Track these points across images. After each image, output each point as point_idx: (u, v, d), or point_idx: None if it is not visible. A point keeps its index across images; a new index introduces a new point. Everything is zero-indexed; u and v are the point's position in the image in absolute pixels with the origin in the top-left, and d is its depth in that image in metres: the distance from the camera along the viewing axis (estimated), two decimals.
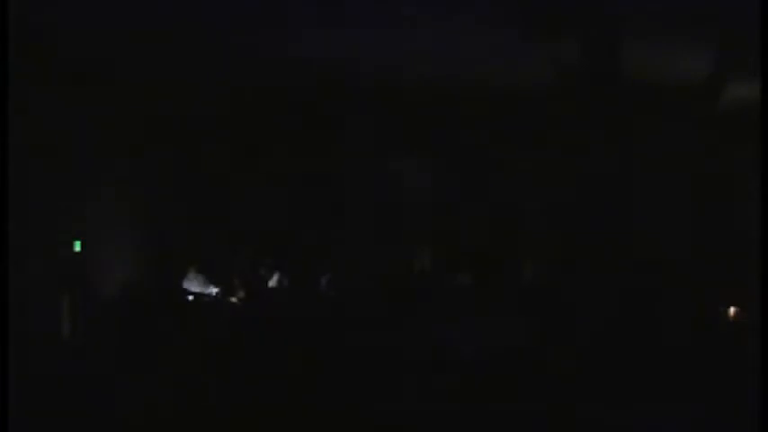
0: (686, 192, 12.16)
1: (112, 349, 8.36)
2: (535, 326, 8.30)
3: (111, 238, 11.38)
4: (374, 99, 12.02)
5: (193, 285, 11.53)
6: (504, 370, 7.35)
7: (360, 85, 11.55)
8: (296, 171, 13.07)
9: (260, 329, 9.17)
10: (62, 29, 9.08)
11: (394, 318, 8.85)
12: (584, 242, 11.32)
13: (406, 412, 6.65)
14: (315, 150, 12.99)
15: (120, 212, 11.66)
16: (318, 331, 8.64)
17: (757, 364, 5.88)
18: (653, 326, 8.19)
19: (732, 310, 9.62)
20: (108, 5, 8.48)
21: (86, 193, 11.00)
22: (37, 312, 9.10)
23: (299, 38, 9.59)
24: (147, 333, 8.67)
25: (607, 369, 7.28)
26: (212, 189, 12.73)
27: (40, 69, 9.52)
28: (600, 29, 9.40)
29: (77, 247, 10.83)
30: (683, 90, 11.27)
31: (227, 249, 12.50)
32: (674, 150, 12.14)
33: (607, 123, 10.97)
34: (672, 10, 8.70)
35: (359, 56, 10.30)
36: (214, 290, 11.56)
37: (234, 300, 11.36)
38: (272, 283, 11.89)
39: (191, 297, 11.32)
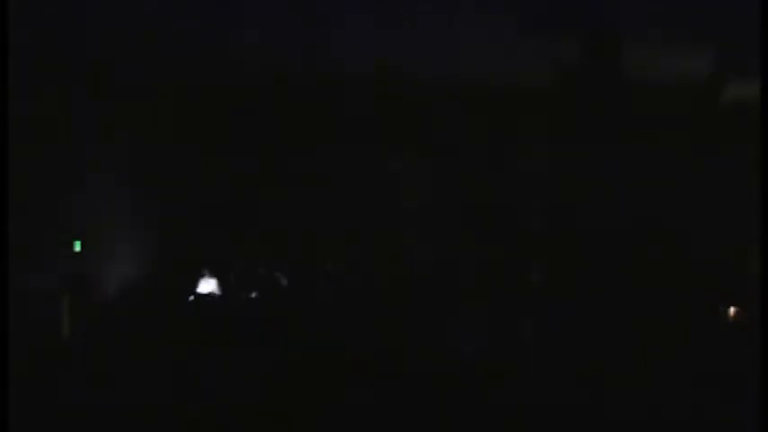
0: (686, 192, 12.14)
1: (112, 349, 8.36)
2: (538, 326, 8.30)
3: (112, 237, 11.38)
4: (374, 99, 12.02)
5: (193, 285, 11.53)
6: (504, 370, 7.35)
7: (359, 84, 11.54)
8: (295, 171, 13.06)
9: (259, 330, 9.17)
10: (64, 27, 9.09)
11: (394, 318, 8.85)
12: (584, 242, 11.32)
13: (406, 412, 6.65)
14: (314, 150, 12.98)
15: (120, 212, 11.66)
16: (318, 331, 8.64)
17: (757, 364, 5.88)
18: (659, 325, 8.19)
19: (732, 310, 9.61)
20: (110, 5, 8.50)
21: (86, 193, 11.00)
22: (37, 312, 9.10)
23: (299, 38, 9.59)
24: (147, 333, 8.67)
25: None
26: (212, 189, 12.71)
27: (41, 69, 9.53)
28: (600, 29, 9.40)
29: (77, 247, 10.83)
30: (683, 90, 11.27)
31: (227, 249, 12.49)
32: (674, 150, 12.13)
33: (607, 123, 10.96)
34: (672, 10, 8.69)
35: (359, 56, 10.30)
36: (213, 290, 11.56)
37: (233, 300, 11.35)
38: (272, 283, 11.88)
39: (191, 297, 11.32)
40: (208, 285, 11.63)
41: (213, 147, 12.70)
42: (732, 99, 11.20)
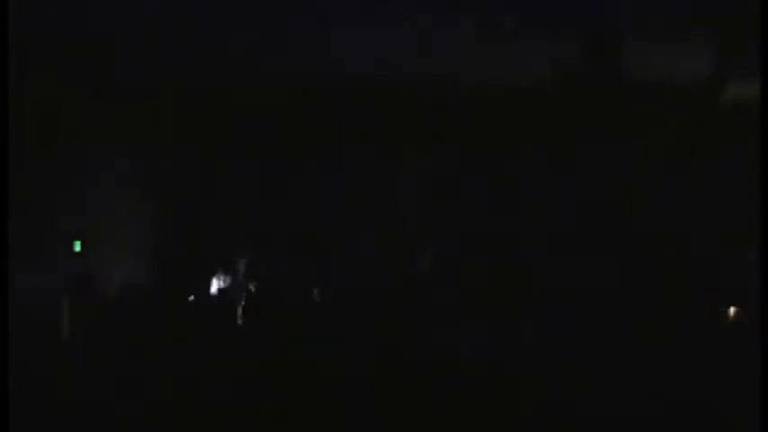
0: (686, 191, 12.16)
1: (112, 349, 8.35)
2: (539, 326, 8.30)
3: (112, 237, 11.39)
4: (373, 99, 12.03)
5: (193, 285, 11.53)
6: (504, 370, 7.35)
7: (359, 84, 11.55)
8: (294, 171, 13.07)
9: (259, 329, 9.16)
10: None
11: (394, 318, 8.84)
12: (584, 242, 11.32)
13: (405, 412, 6.65)
14: (314, 150, 13.00)
15: (120, 212, 11.67)
16: (317, 331, 8.64)
17: (757, 364, 5.88)
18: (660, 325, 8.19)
19: (732, 310, 9.60)
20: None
21: (86, 193, 11.02)
22: (37, 312, 9.10)
23: (299, 38, 9.60)
24: (147, 333, 8.66)
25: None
26: (212, 189, 12.73)
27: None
28: (600, 29, 9.40)
29: (77, 247, 10.84)
30: (683, 90, 11.28)
31: (226, 249, 12.50)
32: (674, 150, 12.15)
33: (607, 123, 10.97)
34: (672, 10, 8.70)
35: (358, 56, 10.30)
36: (213, 290, 11.56)
37: (233, 300, 11.34)
38: (271, 283, 11.88)
39: (191, 297, 11.31)
40: (206, 285, 11.63)
41: (213, 147, 12.72)
42: (732, 99, 11.20)
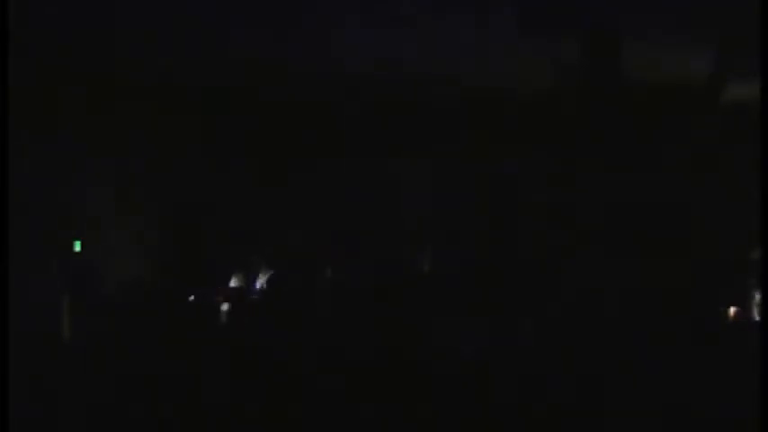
0: (686, 191, 12.16)
1: (112, 349, 8.35)
2: (539, 326, 8.29)
3: (112, 237, 11.39)
4: (373, 99, 12.03)
5: (193, 285, 11.52)
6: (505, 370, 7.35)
7: (359, 84, 11.55)
8: (294, 171, 13.07)
9: (259, 330, 9.16)
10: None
11: (393, 318, 8.84)
12: (584, 243, 11.32)
13: (405, 412, 6.65)
14: (314, 150, 13.00)
15: (120, 212, 11.67)
16: (316, 331, 8.64)
17: (757, 364, 5.88)
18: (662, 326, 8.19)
19: (732, 310, 9.61)
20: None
21: (86, 193, 11.02)
22: (37, 312, 9.11)
23: (299, 38, 9.60)
24: (147, 333, 8.66)
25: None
26: (212, 188, 12.73)
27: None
28: (600, 29, 9.40)
29: (77, 247, 10.84)
30: (683, 90, 11.28)
31: (226, 249, 12.50)
32: (674, 150, 12.15)
33: (607, 123, 10.97)
34: (672, 10, 8.70)
35: (358, 56, 10.30)
36: (213, 290, 11.55)
37: (233, 300, 11.34)
38: (271, 283, 11.87)
39: (191, 297, 11.31)
40: (206, 285, 11.62)
41: (213, 146, 12.72)
42: (732, 99, 11.20)
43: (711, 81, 10.91)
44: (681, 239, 11.62)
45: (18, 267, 7.00)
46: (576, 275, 10.50)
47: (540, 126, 12.27)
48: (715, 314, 9.25)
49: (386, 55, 10.22)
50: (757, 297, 9.10)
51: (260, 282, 11.87)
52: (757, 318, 9.26)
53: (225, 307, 10.89)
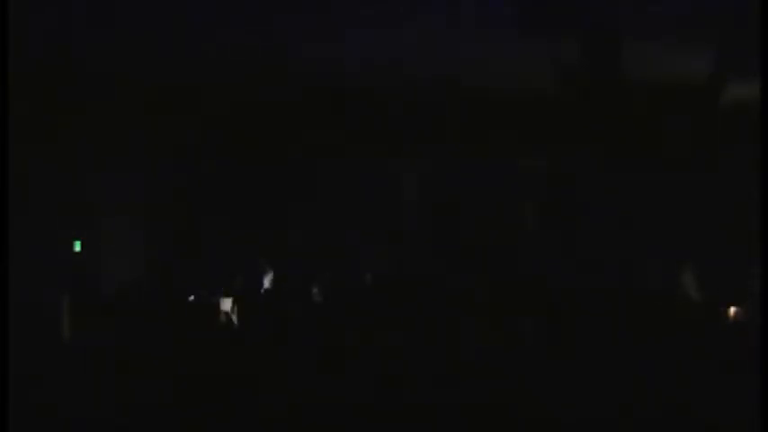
0: (686, 192, 12.16)
1: (112, 349, 8.36)
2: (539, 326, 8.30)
3: (112, 237, 11.39)
4: (373, 99, 12.02)
5: (192, 285, 11.53)
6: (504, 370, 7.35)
7: (358, 85, 11.55)
8: (294, 170, 13.07)
9: (258, 330, 9.17)
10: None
11: (393, 318, 8.85)
12: (583, 243, 11.33)
13: (405, 412, 6.65)
14: (314, 150, 13.00)
15: (120, 212, 11.67)
16: (317, 332, 8.64)
17: (757, 364, 5.88)
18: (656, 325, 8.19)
19: (732, 309, 9.61)
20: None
21: (86, 193, 11.02)
22: (37, 312, 9.10)
23: (299, 38, 9.60)
24: (146, 333, 8.67)
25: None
26: (211, 189, 12.73)
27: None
28: (600, 29, 9.40)
29: (77, 247, 10.84)
30: (683, 90, 11.28)
31: (226, 250, 12.50)
32: (674, 150, 12.15)
33: (607, 123, 10.97)
34: (672, 10, 8.70)
35: (358, 56, 10.30)
36: (213, 290, 11.55)
37: (233, 300, 11.35)
38: (271, 283, 11.89)
39: (191, 297, 11.32)
40: (206, 286, 11.63)
41: (213, 146, 12.72)
42: (732, 99, 11.20)
43: (711, 81, 10.91)
44: (681, 239, 11.62)
45: (18, 267, 7.00)
46: (576, 274, 10.51)
47: (539, 126, 12.27)
48: (715, 314, 9.25)
49: (386, 55, 10.22)
50: (757, 297, 9.10)
51: (261, 282, 11.88)
52: (757, 318, 9.25)
53: (225, 307, 10.91)
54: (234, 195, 12.85)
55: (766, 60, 7.08)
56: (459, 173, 13.20)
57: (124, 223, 11.73)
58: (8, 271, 6.30)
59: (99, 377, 7.28)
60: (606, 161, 11.67)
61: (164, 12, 8.70)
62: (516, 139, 12.56)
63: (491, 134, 12.59)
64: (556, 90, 10.87)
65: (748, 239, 8.33)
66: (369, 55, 10.26)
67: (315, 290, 11.34)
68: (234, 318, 10.67)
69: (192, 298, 11.37)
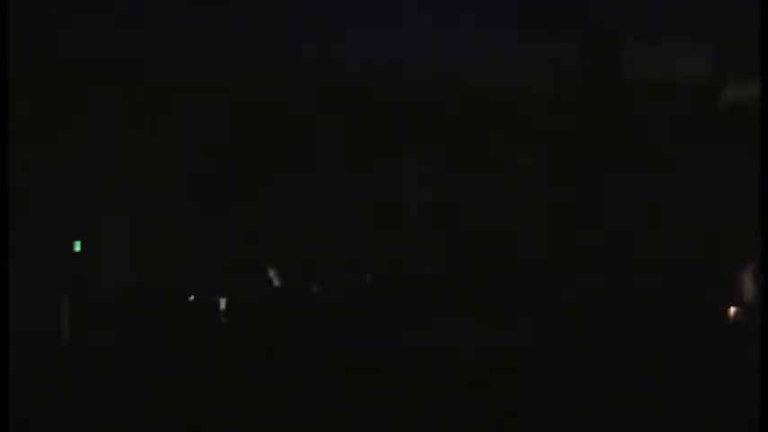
0: (687, 192, 12.15)
1: (112, 349, 8.36)
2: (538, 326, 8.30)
3: (112, 237, 11.38)
4: (373, 99, 12.02)
5: (192, 286, 11.52)
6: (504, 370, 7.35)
7: (359, 84, 11.55)
8: (294, 170, 13.05)
9: (258, 330, 9.16)
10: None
11: (393, 318, 8.85)
12: (583, 244, 11.31)
13: (405, 413, 6.65)
14: (314, 150, 12.98)
15: (120, 212, 11.66)
16: (316, 332, 8.64)
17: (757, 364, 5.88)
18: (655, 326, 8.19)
19: (732, 310, 9.61)
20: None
21: (86, 193, 11.01)
22: (37, 312, 9.10)
23: (299, 38, 9.60)
24: (146, 333, 8.67)
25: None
26: (212, 189, 12.71)
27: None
28: (600, 29, 9.40)
29: (77, 247, 10.83)
30: (683, 90, 11.27)
31: (227, 249, 12.49)
32: (674, 150, 12.14)
33: (607, 124, 10.96)
34: (672, 10, 8.70)
35: (358, 56, 10.30)
36: (214, 290, 11.55)
37: (233, 300, 11.34)
38: (270, 283, 11.87)
39: (191, 297, 11.31)
40: (206, 286, 11.62)
41: (213, 146, 12.70)
42: (732, 99, 11.20)
43: (711, 81, 10.91)
44: (680, 239, 11.61)
45: (18, 267, 7.00)
46: (576, 276, 10.51)
47: (539, 126, 12.26)
48: (715, 314, 9.25)
49: (386, 55, 10.22)
50: (757, 297, 9.10)
51: (261, 282, 11.87)
52: (757, 318, 9.25)
53: (225, 307, 10.90)
54: (234, 195, 12.83)
55: (766, 60, 7.08)
56: (459, 173, 13.18)
57: (124, 223, 11.71)
58: (8, 271, 6.30)
59: (99, 377, 7.28)
60: (606, 161, 11.65)
61: (164, 12, 8.69)
62: (516, 139, 12.55)
63: (491, 134, 12.59)
64: (556, 90, 10.87)
65: (748, 239, 8.33)
66: (369, 55, 10.26)
67: (315, 290, 11.34)
68: (234, 318, 10.67)
69: (191, 298, 11.37)
